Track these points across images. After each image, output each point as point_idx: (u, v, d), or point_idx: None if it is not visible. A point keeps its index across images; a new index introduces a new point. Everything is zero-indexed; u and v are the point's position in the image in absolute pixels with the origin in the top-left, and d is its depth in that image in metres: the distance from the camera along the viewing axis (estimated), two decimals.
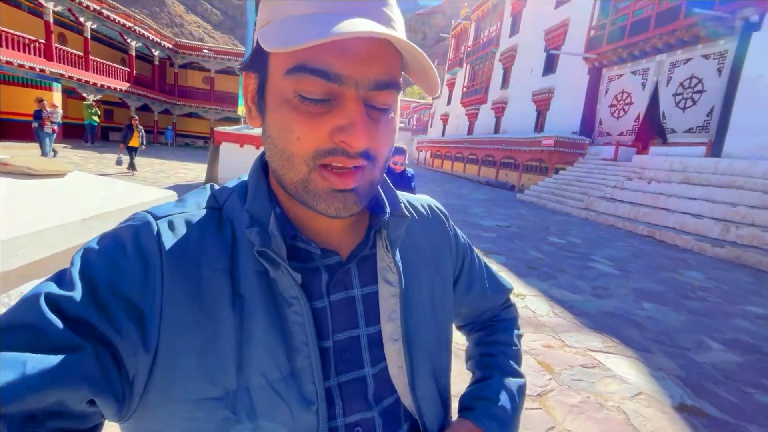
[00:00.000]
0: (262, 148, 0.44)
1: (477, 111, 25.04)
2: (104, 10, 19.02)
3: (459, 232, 0.63)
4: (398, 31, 0.37)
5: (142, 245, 0.37)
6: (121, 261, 0.36)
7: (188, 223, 0.40)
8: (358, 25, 0.32)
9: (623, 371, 2.76)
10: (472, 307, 0.66)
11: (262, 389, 0.38)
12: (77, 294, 0.34)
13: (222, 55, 27.05)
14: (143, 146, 10.71)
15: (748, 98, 9.66)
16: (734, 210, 7.63)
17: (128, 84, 21.90)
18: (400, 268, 0.47)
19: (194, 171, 12.42)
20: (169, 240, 0.38)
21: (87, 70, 18.65)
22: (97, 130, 18.15)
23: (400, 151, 3.60)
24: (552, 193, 12.79)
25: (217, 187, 0.47)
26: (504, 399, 0.55)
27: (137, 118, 10.62)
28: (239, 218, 0.42)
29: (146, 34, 22.77)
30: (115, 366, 0.34)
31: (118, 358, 0.34)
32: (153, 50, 24.35)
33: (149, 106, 24.48)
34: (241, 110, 9.28)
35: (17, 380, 0.29)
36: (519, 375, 0.61)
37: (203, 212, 0.42)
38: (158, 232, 0.39)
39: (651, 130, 13.11)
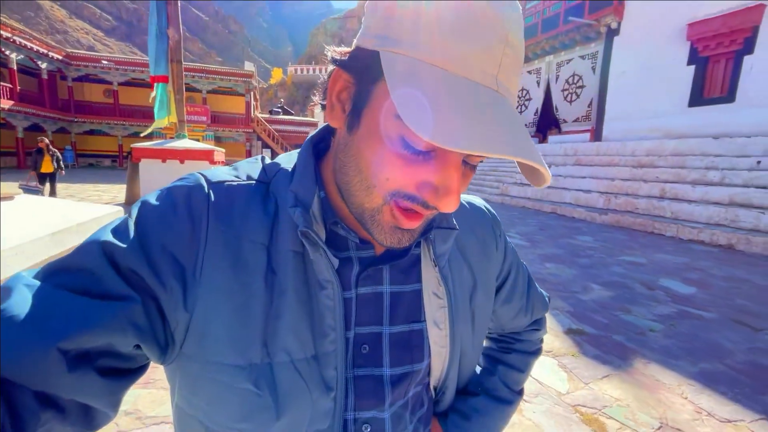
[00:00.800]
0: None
1: None
2: None
3: (507, 240, 0.60)
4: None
5: (191, 206, 0.39)
6: (171, 218, 0.38)
7: (237, 193, 0.41)
8: (526, 148, 0.30)
9: None
10: (500, 322, 0.62)
11: (285, 367, 0.39)
12: (131, 246, 0.36)
13: (125, 65, 24.93)
14: (62, 171, 9.12)
15: (616, 91, 11.70)
16: (613, 183, 9.28)
17: (11, 102, 19.26)
18: (449, 284, 0.47)
19: (108, 192, 11.54)
20: (217, 205, 0.39)
21: None
22: None
23: None
24: (472, 182, 14.10)
25: (268, 160, 0.47)
26: (477, 422, 0.55)
27: (45, 140, 8.89)
28: (284, 196, 0.42)
29: (28, 45, 20.19)
30: (159, 317, 0.36)
31: (162, 311, 0.36)
32: (39, 62, 21.65)
33: (40, 125, 21.72)
34: (159, 122, 8.78)
35: (73, 319, 0.31)
36: (507, 401, 0.59)
37: (252, 184, 0.43)
38: (208, 195, 0.40)
39: (548, 121, 15.10)
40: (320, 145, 0.47)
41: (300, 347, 0.39)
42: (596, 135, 12.23)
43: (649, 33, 10.59)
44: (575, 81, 13.33)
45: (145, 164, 8.85)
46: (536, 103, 15.07)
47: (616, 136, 11.47)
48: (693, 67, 9.61)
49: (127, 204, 8.97)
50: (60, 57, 22.90)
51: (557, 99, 14.01)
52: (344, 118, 0.39)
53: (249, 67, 27.39)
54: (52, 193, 8.93)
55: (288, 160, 0.46)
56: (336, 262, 0.41)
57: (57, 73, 23.73)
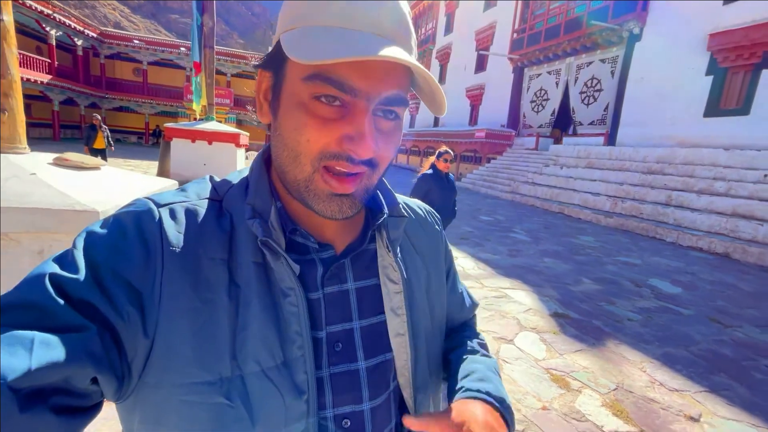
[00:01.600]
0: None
1: (417, 105, 26.43)
2: None
3: (447, 242, 0.64)
4: (413, 53, 0.40)
5: (143, 230, 0.38)
6: (122, 245, 0.37)
7: (189, 212, 0.41)
8: (383, 49, 0.33)
9: (521, 298, 3.95)
10: (450, 316, 0.63)
11: (256, 376, 0.39)
12: (80, 276, 0.35)
13: (155, 46, 25.67)
14: (112, 147, 9.74)
15: (633, 97, 11.82)
16: (621, 188, 9.54)
17: (49, 76, 20.17)
18: (402, 267, 0.49)
19: (139, 167, 12.24)
20: (170, 227, 0.39)
21: None
22: None
23: (447, 152, 3.58)
24: (484, 180, 14.44)
25: (217, 179, 0.48)
26: (492, 377, 0.53)
27: (98, 117, 9.56)
28: (239, 210, 0.43)
29: (67, 22, 21.03)
30: (115, 347, 0.35)
31: (119, 340, 0.35)
32: (75, 39, 22.51)
33: (74, 99, 22.68)
34: (196, 106, 9.41)
35: (25, 356, 0.29)
36: (490, 357, 0.59)
37: (204, 202, 0.43)
38: (160, 218, 0.40)
39: (564, 122, 15.24)
40: (268, 160, 0.48)
41: (269, 355, 0.40)
42: (610, 139, 12.39)
43: (670, 40, 10.66)
44: (593, 84, 13.44)
45: (176, 143, 9.45)
46: (554, 103, 15.20)
47: (629, 141, 11.64)
48: (711, 77, 9.71)
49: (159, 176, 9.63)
50: (95, 35, 23.75)
51: (574, 101, 14.15)
52: (270, 114, 0.42)
53: None
54: None
55: (238, 176, 0.48)
56: (297, 268, 0.41)
57: (91, 50, 24.59)
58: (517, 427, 2.12)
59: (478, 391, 0.49)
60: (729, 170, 8.25)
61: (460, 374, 0.53)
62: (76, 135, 23.82)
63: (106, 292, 0.35)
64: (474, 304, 0.70)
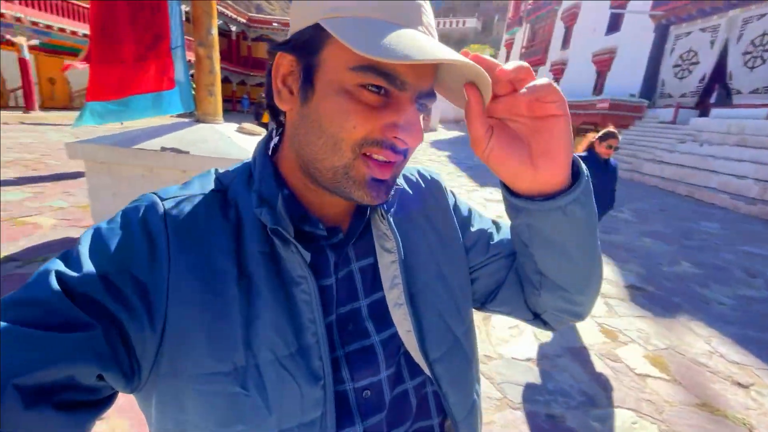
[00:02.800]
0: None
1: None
2: None
3: (459, 198, 0.63)
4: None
5: (148, 225, 0.39)
6: (128, 240, 0.37)
7: (193, 205, 0.41)
8: (443, 50, 0.34)
9: None
10: (489, 247, 0.59)
11: (271, 365, 0.39)
12: (86, 273, 0.35)
13: (287, 27, 28.82)
14: None
15: None
16: None
17: None
18: (397, 234, 0.48)
19: None
20: (175, 220, 0.39)
21: None
22: None
23: (612, 135, 2.94)
24: None
25: (221, 170, 0.47)
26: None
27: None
28: (245, 200, 0.43)
29: (226, 12, 25.09)
30: (122, 343, 0.35)
31: (126, 335, 0.36)
32: (230, 26, 26.79)
33: (229, 78, 27.27)
34: None
35: (28, 354, 0.30)
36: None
37: (208, 194, 0.43)
38: (164, 212, 0.40)
39: (714, 91, 12.77)
40: (271, 146, 0.47)
41: (283, 344, 0.40)
42: None
43: None
44: (764, 42, 10.89)
45: None
46: (704, 68, 12.75)
47: None
48: None
49: None
50: (244, 20, 27.88)
51: (734, 64, 11.68)
52: (293, 98, 0.41)
53: None
54: None
55: (241, 166, 0.47)
56: (308, 255, 0.41)
57: (240, 34, 28.97)
58: (551, 355, 2.57)
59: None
60: None
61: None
62: (227, 107, 28.62)
63: (112, 289, 0.35)
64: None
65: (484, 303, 0.61)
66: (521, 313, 0.59)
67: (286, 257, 0.42)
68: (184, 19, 3.25)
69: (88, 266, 0.36)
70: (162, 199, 0.41)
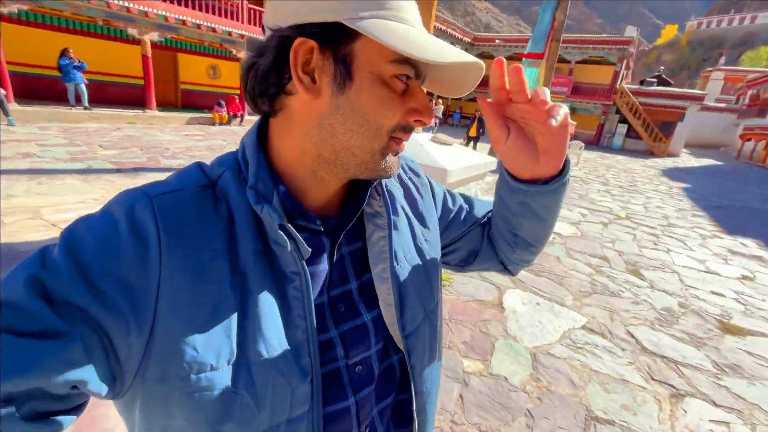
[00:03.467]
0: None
1: None
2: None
3: (433, 182, 0.68)
4: None
5: (138, 223, 0.36)
6: (113, 239, 0.35)
7: (183, 201, 0.39)
8: (472, 57, 0.40)
9: None
10: (469, 216, 0.68)
11: (261, 364, 0.39)
12: (65, 275, 0.33)
13: (510, 42, 28.87)
14: (483, 135, 12.01)
15: None
16: None
17: None
18: (390, 210, 0.51)
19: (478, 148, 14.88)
20: (166, 218, 0.37)
21: None
22: None
23: None
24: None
25: (206, 164, 0.45)
26: None
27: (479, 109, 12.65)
28: (236, 196, 0.42)
29: (455, 33, 27.31)
30: (104, 348, 0.34)
31: (109, 340, 0.34)
32: (456, 46, 28.91)
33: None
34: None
35: None
36: None
37: (198, 190, 0.41)
38: (153, 210, 0.37)
39: None
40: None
41: (275, 342, 0.40)
42: None
43: None
44: None
45: None
46: None
47: None
48: None
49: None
50: (469, 40, 29.48)
51: None
52: (315, 88, 0.40)
53: (630, 32, 24.52)
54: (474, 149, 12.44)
55: (227, 160, 0.45)
56: (308, 252, 0.42)
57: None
58: None
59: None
60: None
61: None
62: (441, 120, 31.09)
63: (95, 291, 0.33)
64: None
65: (464, 266, 0.71)
66: (494, 266, 0.70)
67: (280, 254, 0.42)
68: None
69: (69, 268, 0.33)
70: (150, 196, 0.39)
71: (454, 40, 28.04)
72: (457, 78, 0.46)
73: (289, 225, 0.41)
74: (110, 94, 12.00)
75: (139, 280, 0.35)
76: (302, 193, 0.47)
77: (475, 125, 12.15)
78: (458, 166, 3.36)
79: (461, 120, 29.73)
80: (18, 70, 9.69)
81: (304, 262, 0.42)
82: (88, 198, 4.21)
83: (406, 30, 0.39)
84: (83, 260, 0.34)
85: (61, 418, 0.34)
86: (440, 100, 18.76)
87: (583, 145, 13.33)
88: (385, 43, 0.36)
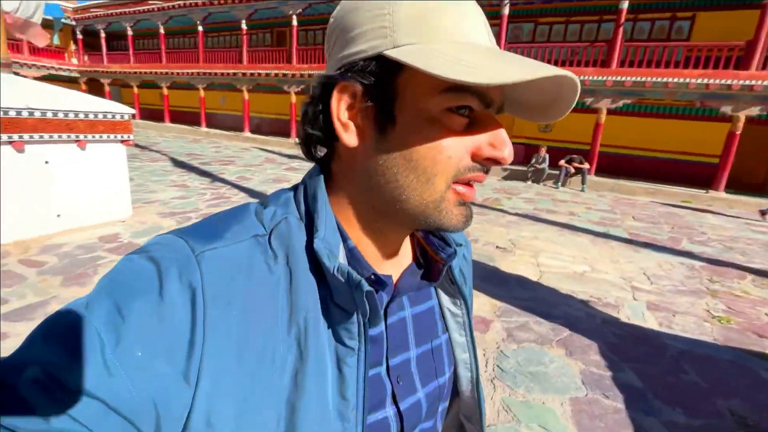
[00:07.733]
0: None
1: None
2: None
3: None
4: None
5: (185, 288, 0.31)
6: (159, 307, 0.29)
7: (234, 259, 0.34)
8: (553, 69, 0.31)
9: None
10: None
11: None
12: (93, 357, 0.27)
13: None
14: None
15: None
16: None
17: None
18: (464, 293, 0.50)
19: None
20: (212, 283, 0.31)
21: None
22: None
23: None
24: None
25: (260, 208, 0.40)
26: None
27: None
28: (297, 251, 0.37)
29: None
30: None
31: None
32: None
33: None
34: None
35: None
36: None
37: (250, 242, 0.36)
38: (200, 271, 0.32)
39: None
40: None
41: (323, 424, 0.35)
42: None
43: None
44: None
45: None
46: None
47: None
48: None
49: None
50: None
51: None
52: (359, 134, 0.37)
53: None
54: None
55: (284, 205, 0.40)
56: (380, 320, 0.39)
57: None
58: None
59: None
60: None
61: None
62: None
63: (128, 376, 0.27)
64: None
65: None
66: None
67: (340, 320, 0.36)
68: None
69: (97, 358, 0.27)
70: (195, 250, 0.32)
71: None
72: (547, 98, 0.37)
73: (370, 288, 0.35)
74: (669, 168, 11.87)
75: (181, 367, 0.30)
76: (362, 248, 0.41)
77: None
78: None
79: None
80: (605, 150, 11.61)
81: (365, 340, 0.37)
82: (579, 255, 4.74)
83: (459, 49, 0.33)
84: (121, 332, 0.29)
85: None
86: None
87: None
88: (424, 69, 0.31)
